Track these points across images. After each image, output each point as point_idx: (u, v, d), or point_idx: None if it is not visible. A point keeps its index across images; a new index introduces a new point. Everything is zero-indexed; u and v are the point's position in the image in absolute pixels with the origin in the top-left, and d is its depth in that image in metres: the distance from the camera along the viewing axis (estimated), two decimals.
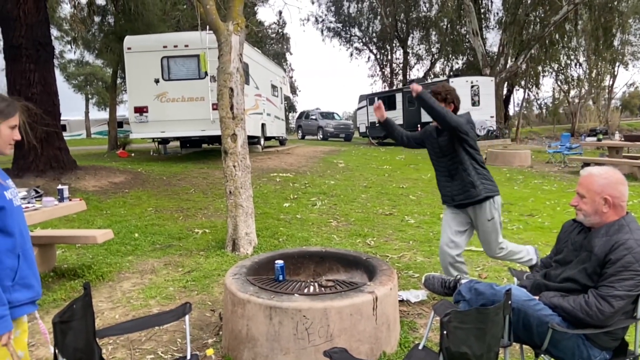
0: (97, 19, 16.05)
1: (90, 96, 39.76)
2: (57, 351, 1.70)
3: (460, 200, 3.53)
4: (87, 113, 40.29)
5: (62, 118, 9.96)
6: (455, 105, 3.53)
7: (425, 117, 21.03)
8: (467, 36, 25.94)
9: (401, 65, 34.70)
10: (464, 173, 3.46)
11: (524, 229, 6.12)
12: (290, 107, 36.85)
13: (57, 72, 11.54)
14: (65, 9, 20.14)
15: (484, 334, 1.79)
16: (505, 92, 25.94)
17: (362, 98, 26.12)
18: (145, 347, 3.04)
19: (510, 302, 1.97)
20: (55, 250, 4.74)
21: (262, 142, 15.02)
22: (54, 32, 19.29)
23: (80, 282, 4.21)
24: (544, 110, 39.78)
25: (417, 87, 3.35)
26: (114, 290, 4.09)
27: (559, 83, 32.83)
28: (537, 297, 2.25)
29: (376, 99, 23.99)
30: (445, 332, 1.68)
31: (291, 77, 37.21)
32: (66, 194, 4.17)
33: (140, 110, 12.16)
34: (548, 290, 2.30)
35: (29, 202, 3.85)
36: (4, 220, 1.70)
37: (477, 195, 3.43)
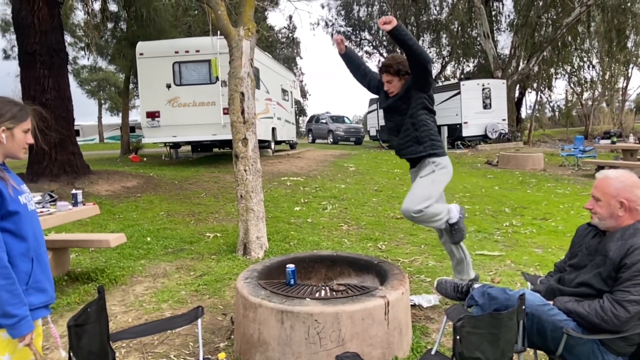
0: (110, 25, 16.26)
1: (103, 101, 40.31)
2: (71, 354, 1.72)
3: (404, 155, 3.51)
4: (100, 118, 40.83)
5: (75, 123, 10.08)
6: (409, 77, 3.33)
7: (441, 120, 20.94)
8: (478, 39, 25.80)
9: None
10: (412, 128, 3.35)
11: (537, 233, 6.06)
12: (300, 110, 36.98)
13: (71, 77, 11.79)
14: (79, 16, 20.44)
15: (498, 339, 1.78)
16: (517, 94, 25.74)
17: (372, 102, 26.09)
18: (158, 350, 3.06)
19: (524, 307, 1.95)
20: (69, 254, 4.79)
21: (272, 146, 15.08)
22: (68, 38, 19.56)
23: (93, 285, 4.25)
24: (556, 113, 39.38)
25: (390, 20, 3.04)
26: (126, 293, 4.13)
27: (571, 85, 32.49)
28: (551, 302, 2.22)
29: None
30: (458, 337, 1.67)
31: (301, 81, 37.37)
32: (80, 198, 4.22)
33: (152, 115, 12.29)
34: (562, 294, 2.27)
35: (43, 207, 3.90)
36: (18, 225, 1.73)
37: (421, 152, 3.38)
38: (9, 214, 1.70)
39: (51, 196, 4.14)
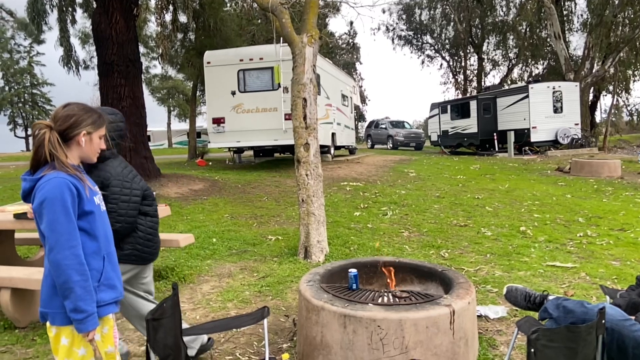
0: (179, 35, 17.10)
1: (172, 108, 42.41)
2: (148, 346, 1.82)
3: None
4: (169, 124, 42.98)
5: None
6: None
7: (502, 125, 20.17)
8: (548, 40, 24.64)
9: (475, 71, 33.62)
10: None
11: (615, 244, 5.68)
12: (359, 116, 36.93)
13: (143, 86, 12.42)
14: (151, 27, 21.66)
15: (575, 355, 1.69)
16: (591, 97, 24.30)
17: (433, 106, 25.60)
18: (224, 347, 3.16)
19: (603, 321, 1.84)
20: None
21: (332, 151, 15.18)
22: (141, 49, 20.80)
23: (164, 283, 4.47)
24: (635, 117, 36.72)
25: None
26: (194, 292, 4.30)
27: None
28: (633, 317, 2.08)
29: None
30: (532, 350, 1.60)
31: (361, 87, 37.28)
32: None
33: (217, 121, 12.77)
34: None
35: None
36: (92, 224, 1.83)
37: None
38: (84, 213, 1.80)
39: None
